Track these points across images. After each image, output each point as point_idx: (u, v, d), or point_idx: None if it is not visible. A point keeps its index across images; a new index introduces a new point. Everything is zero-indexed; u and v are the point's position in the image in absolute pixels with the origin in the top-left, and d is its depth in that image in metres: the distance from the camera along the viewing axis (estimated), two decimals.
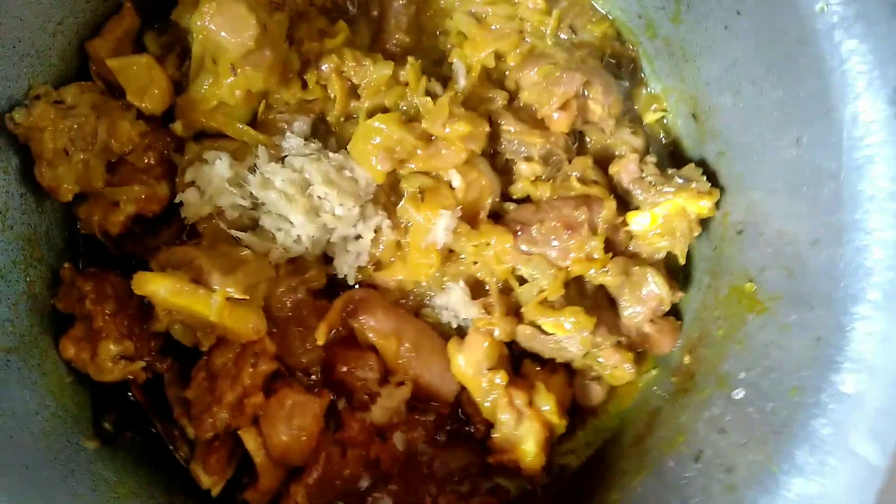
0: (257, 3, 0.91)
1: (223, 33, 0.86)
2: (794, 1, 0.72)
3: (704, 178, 0.96)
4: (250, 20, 0.86)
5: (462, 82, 1.02)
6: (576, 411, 1.04)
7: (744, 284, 0.89)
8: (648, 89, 1.07)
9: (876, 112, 0.68)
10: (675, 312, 1.03)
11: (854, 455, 0.66)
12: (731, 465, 0.76)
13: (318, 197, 0.94)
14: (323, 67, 0.97)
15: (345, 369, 1.00)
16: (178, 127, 0.95)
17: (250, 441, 0.93)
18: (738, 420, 0.80)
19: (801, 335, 0.75)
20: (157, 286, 0.84)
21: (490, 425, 1.00)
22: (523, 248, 0.97)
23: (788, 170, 0.81)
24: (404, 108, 0.98)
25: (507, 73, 1.04)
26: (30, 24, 0.84)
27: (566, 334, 0.97)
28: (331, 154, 0.97)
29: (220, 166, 0.93)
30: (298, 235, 0.95)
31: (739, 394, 0.82)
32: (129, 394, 0.97)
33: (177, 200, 0.95)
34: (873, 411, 0.67)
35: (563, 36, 1.05)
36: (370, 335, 0.99)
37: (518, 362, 1.04)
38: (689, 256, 1.02)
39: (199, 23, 0.87)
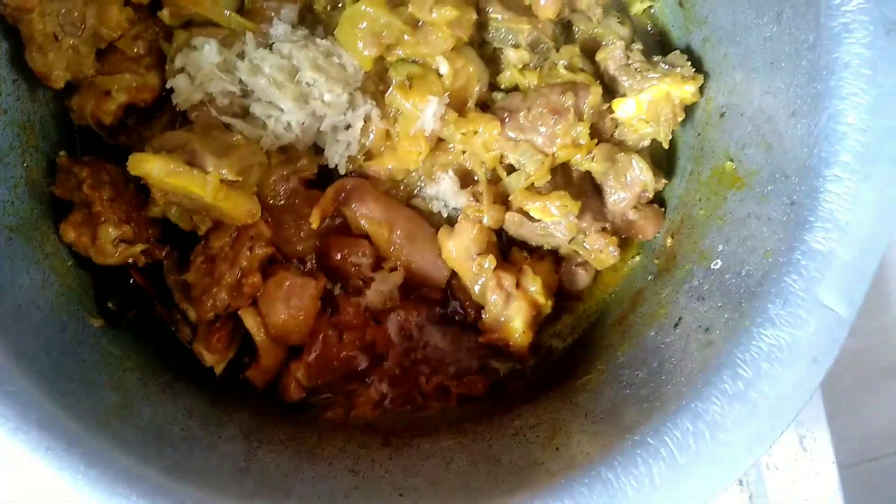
0: None
1: None
2: None
3: (689, 63, 0.97)
4: None
5: None
6: (562, 297, 1.08)
7: (725, 164, 0.92)
8: None
9: None
10: (658, 201, 1.06)
11: (823, 307, 0.71)
12: (708, 326, 0.80)
13: (307, 84, 0.95)
14: None
15: (339, 256, 1.03)
16: (165, 15, 0.96)
17: (250, 320, 0.97)
18: (716, 287, 0.84)
19: (777, 202, 0.78)
20: (153, 166, 0.86)
21: (480, 308, 1.04)
22: (511, 134, 0.99)
23: (769, 46, 0.82)
24: None
25: None
26: None
27: (553, 219, 1.00)
28: (318, 40, 0.97)
29: (208, 51, 0.93)
30: (289, 122, 0.96)
31: (717, 264, 0.86)
32: (131, 280, 1.00)
33: (168, 86, 0.96)
34: (842, 266, 0.71)
35: None
36: (362, 222, 1.02)
37: (507, 251, 1.07)
38: (673, 146, 1.05)
39: None
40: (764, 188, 0.81)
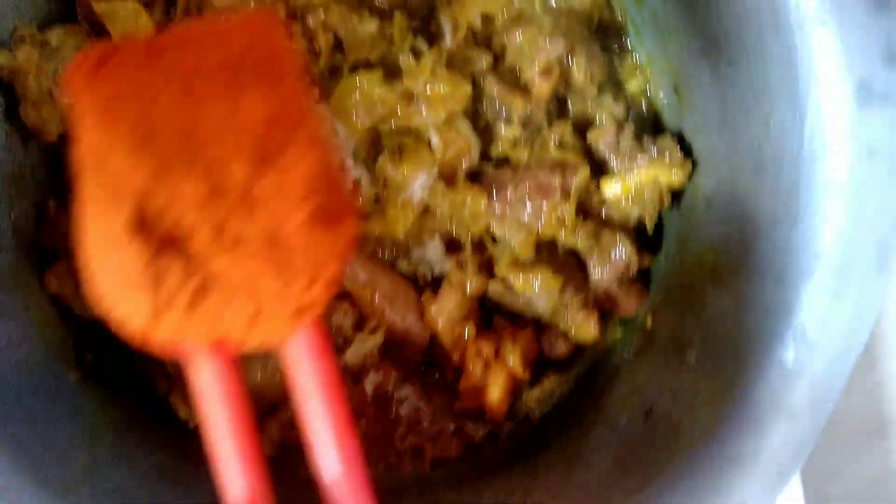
0: None
1: None
2: None
3: (679, 150, 0.98)
4: None
5: (448, 41, 1.02)
6: (541, 364, 1.10)
7: (707, 255, 0.93)
8: (634, 58, 1.08)
9: (839, 104, 0.70)
10: (642, 277, 1.07)
11: (790, 419, 0.72)
12: (676, 423, 0.81)
13: None
14: (309, 21, 0.98)
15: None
16: None
17: None
18: (689, 383, 0.85)
19: (752, 308, 0.79)
20: None
21: (459, 373, 1.05)
22: (497, 208, 1.00)
23: (757, 149, 0.83)
24: (388, 64, 1.00)
25: (493, 34, 1.04)
26: None
27: (534, 293, 1.01)
28: None
29: None
30: None
31: (692, 358, 0.87)
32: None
33: None
34: (810, 381, 0.72)
35: (551, 1, 1.06)
36: (346, 283, 1.03)
37: (489, 317, 1.08)
38: (659, 224, 1.06)
39: None
40: (742, 290, 0.82)
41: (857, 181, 0.71)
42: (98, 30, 0.96)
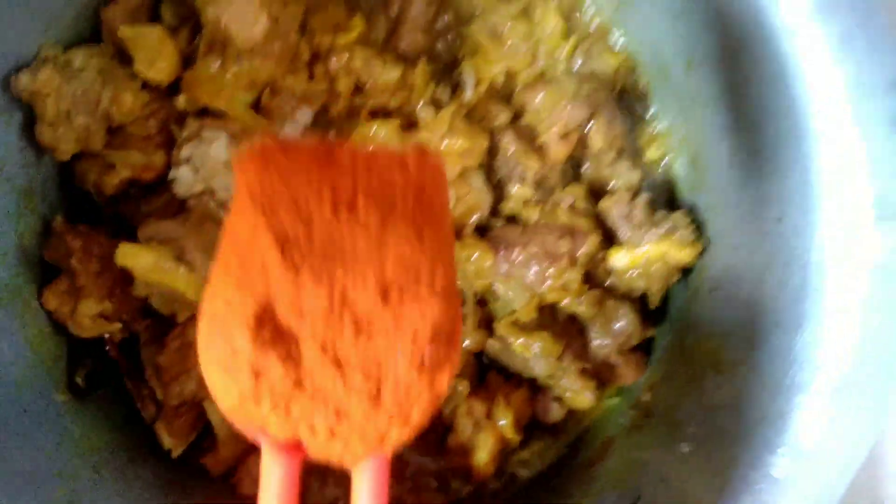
0: None
1: (232, 26, 0.87)
2: (795, 93, 0.72)
3: (691, 228, 0.97)
4: (261, 16, 0.86)
5: (469, 94, 1.02)
6: (535, 425, 1.08)
7: (710, 340, 0.91)
8: (654, 127, 1.07)
9: (854, 217, 0.69)
10: (644, 346, 1.06)
11: None
12: None
13: None
14: (332, 62, 0.97)
15: None
16: (181, 101, 0.96)
17: (214, 413, 0.97)
18: (679, 475, 0.83)
19: (749, 409, 0.77)
20: (139, 261, 0.87)
21: (449, 429, 1.04)
22: (503, 267, 0.99)
23: (767, 244, 0.82)
24: (406, 113, 0.99)
25: (514, 91, 1.03)
26: None
27: (532, 356, 1.00)
28: None
29: (217, 148, 0.94)
30: None
31: (685, 448, 0.85)
32: (107, 347, 1.00)
33: (170, 178, 0.97)
34: (801, 497, 0.70)
35: (576, 63, 1.05)
36: None
37: (485, 372, 1.07)
38: (666, 296, 1.04)
39: (209, 13, 0.87)
40: (740, 388, 0.80)
41: (866, 298, 0.69)
42: (122, 53, 0.97)
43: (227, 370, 0.54)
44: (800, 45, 0.72)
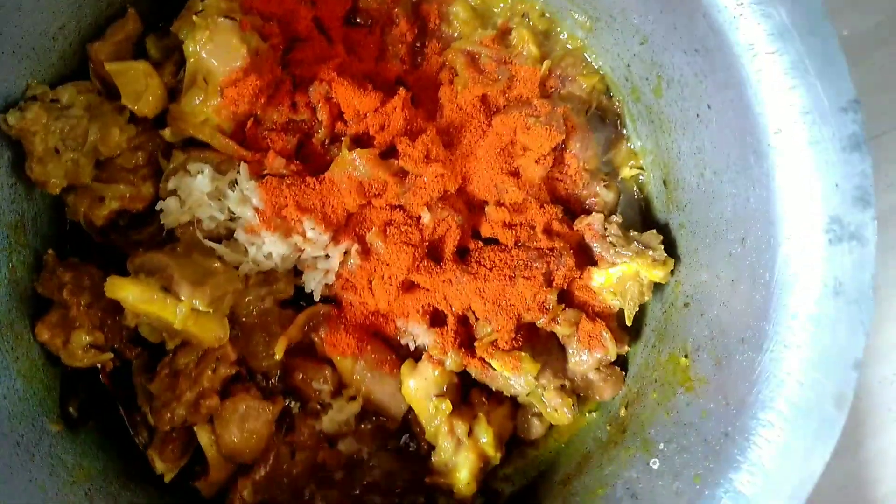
0: (253, 27, 0.94)
1: (213, 60, 0.90)
2: (755, 116, 0.75)
3: (662, 247, 1.00)
4: (241, 50, 0.89)
5: (445, 116, 1.05)
6: (515, 441, 1.11)
7: (681, 357, 0.94)
8: (628, 145, 1.10)
9: (811, 236, 0.72)
10: (621, 363, 1.08)
11: None
12: None
13: (292, 219, 0.99)
14: (313, 93, 1.00)
15: (301, 377, 1.06)
16: (167, 133, 0.99)
17: (204, 437, 1.00)
18: (648, 490, 0.85)
19: (715, 425, 0.80)
20: (127, 293, 0.90)
21: (433, 446, 1.07)
22: (481, 288, 1.02)
23: (733, 263, 0.85)
24: (387, 139, 1.02)
25: (493, 113, 1.06)
26: (30, 31, 0.87)
27: (512, 374, 1.02)
28: (308, 179, 1.00)
29: (201, 180, 0.97)
30: (270, 252, 0.99)
31: (655, 464, 0.88)
32: (100, 375, 1.03)
33: (157, 208, 0.99)
34: None
35: (552, 86, 1.08)
36: (328, 350, 1.05)
37: (468, 389, 1.09)
38: (641, 312, 1.07)
39: (190, 48, 0.90)
40: (707, 403, 0.83)
41: (822, 315, 0.72)
42: (109, 88, 0.99)
43: None
44: (757, 68, 0.76)
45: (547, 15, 1.11)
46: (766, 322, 0.76)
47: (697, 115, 0.89)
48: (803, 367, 0.72)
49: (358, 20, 1.14)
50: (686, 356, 0.92)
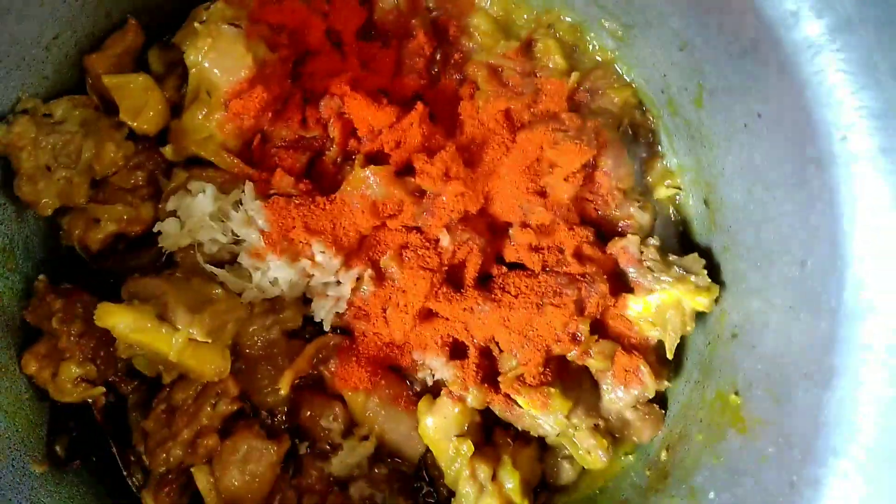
0: (260, 37, 0.88)
1: (216, 70, 0.83)
2: (816, 122, 0.67)
3: (705, 272, 0.90)
4: (246, 59, 0.83)
5: (465, 132, 0.97)
6: (544, 487, 1.01)
7: (730, 394, 0.84)
8: (664, 163, 1.02)
9: (887, 258, 0.62)
10: (660, 400, 0.98)
11: None
12: None
13: (300, 241, 0.91)
14: (324, 108, 0.93)
15: (309, 414, 0.97)
16: (168, 151, 0.93)
17: (202, 480, 0.91)
18: None
19: (777, 474, 0.70)
20: (118, 321, 0.82)
21: (452, 492, 0.97)
22: (506, 317, 0.93)
23: (790, 289, 0.75)
24: (403, 156, 0.94)
25: (517, 130, 0.99)
26: (20, 40, 0.82)
27: (540, 412, 0.93)
28: (317, 198, 0.93)
29: (202, 200, 0.90)
30: (276, 277, 0.92)
31: None
32: (94, 411, 0.95)
33: (155, 230, 0.93)
34: None
35: (580, 100, 1.00)
36: (338, 385, 0.96)
37: (491, 429, 1.00)
38: (682, 345, 0.97)
39: (192, 57, 0.84)
40: (766, 447, 0.73)
41: None
42: (108, 103, 0.94)
43: None
44: (818, 68, 0.67)
45: (574, 25, 1.04)
46: (834, 355, 0.66)
47: (745, 126, 0.80)
48: (882, 409, 0.63)
49: (374, 34, 1.08)
50: (736, 393, 0.82)
